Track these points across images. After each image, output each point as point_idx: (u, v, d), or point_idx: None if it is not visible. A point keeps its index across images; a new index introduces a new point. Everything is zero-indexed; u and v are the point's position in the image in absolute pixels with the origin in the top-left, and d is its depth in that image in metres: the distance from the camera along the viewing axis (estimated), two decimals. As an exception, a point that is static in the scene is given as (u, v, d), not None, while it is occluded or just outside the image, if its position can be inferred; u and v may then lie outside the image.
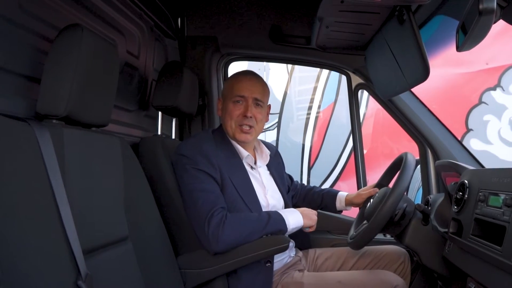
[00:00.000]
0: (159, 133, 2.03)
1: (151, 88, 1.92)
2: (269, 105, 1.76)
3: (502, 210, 1.07)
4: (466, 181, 1.34)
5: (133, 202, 1.31)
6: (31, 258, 0.85)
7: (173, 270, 1.44)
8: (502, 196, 1.10)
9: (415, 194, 3.54)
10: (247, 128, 1.63)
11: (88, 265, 0.98)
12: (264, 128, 1.79)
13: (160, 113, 2.01)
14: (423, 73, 1.36)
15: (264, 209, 1.61)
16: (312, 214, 1.62)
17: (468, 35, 1.12)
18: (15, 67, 1.11)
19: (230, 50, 2.24)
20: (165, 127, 2.10)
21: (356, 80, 2.20)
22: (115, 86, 1.25)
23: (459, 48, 1.21)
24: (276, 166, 1.86)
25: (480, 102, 4.02)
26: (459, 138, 3.96)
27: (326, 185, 4.26)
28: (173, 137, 2.17)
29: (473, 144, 4.00)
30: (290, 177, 2.04)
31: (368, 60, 1.96)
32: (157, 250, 1.39)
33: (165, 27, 1.99)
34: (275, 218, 1.51)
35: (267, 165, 1.79)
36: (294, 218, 1.56)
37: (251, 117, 1.62)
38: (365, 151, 2.74)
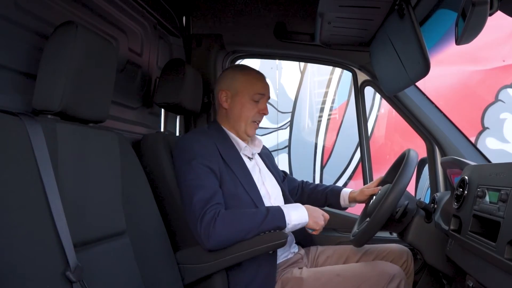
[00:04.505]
0: (162, 130, 2.04)
1: (155, 85, 1.94)
2: None
3: (497, 205, 1.05)
4: (466, 177, 1.31)
5: (131, 197, 1.32)
6: (19, 249, 0.87)
7: (171, 265, 1.45)
8: (499, 191, 1.07)
9: (425, 192, 3.48)
10: (258, 123, 1.73)
11: (82, 257, 1.00)
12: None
13: (163, 110, 2.03)
14: (424, 68, 1.35)
15: (264, 198, 1.60)
16: (320, 218, 1.53)
17: (465, 27, 1.09)
18: (15, 64, 1.14)
19: (235, 48, 2.24)
20: (170, 124, 2.11)
21: (362, 76, 2.18)
22: (112, 82, 1.26)
23: (457, 41, 1.18)
24: (267, 154, 1.92)
25: (497, 100, 3.94)
26: (475, 137, 3.89)
27: (339, 185, 4.22)
28: (177, 134, 2.19)
29: (489, 142, 3.92)
30: (284, 172, 2.04)
31: (373, 56, 1.93)
32: (155, 245, 1.40)
33: (169, 25, 2.01)
34: (274, 215, 1.46)
35: (259, 154, 1.83)
36: (298, 214, 1.49)
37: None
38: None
